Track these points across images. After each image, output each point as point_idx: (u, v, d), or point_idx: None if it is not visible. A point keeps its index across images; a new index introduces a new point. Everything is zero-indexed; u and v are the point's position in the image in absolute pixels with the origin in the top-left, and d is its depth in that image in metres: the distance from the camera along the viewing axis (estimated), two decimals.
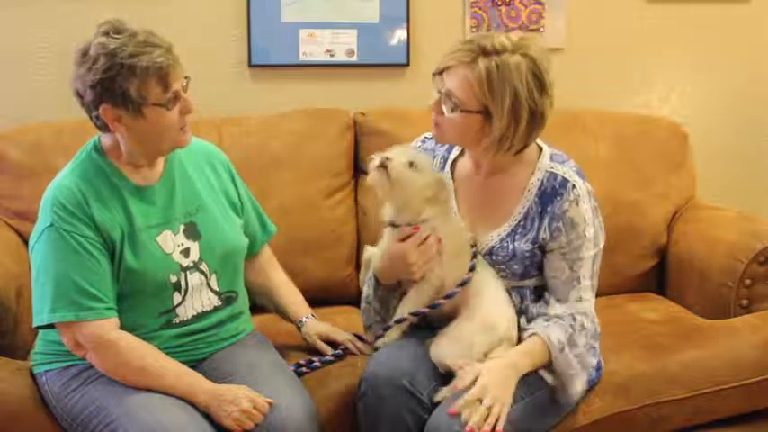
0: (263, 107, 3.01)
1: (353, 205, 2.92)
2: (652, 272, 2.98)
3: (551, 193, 2.10)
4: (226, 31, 3.07)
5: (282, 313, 2.41)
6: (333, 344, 2.36)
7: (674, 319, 2.70)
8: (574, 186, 2.09)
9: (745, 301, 2.65)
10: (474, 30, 3.17)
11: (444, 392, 2.05)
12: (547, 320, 2.10)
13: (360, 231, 2.91)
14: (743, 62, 3.37)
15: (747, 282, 2.64)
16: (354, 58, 3.13)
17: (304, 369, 2.27)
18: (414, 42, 3.15)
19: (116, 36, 1.99)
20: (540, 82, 2.03)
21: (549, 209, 2.10)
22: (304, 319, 2.38)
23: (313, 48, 3.10)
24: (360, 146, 2.96)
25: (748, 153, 3.44)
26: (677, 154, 3.06)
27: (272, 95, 3.09)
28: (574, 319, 2.10)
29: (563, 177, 2.10)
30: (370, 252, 2.25)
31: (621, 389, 2.32)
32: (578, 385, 2.13)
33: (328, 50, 3.11)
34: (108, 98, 1.99)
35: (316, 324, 2.39)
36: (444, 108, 2.05)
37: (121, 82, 1.97)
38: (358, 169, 2.96)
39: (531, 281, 2.17)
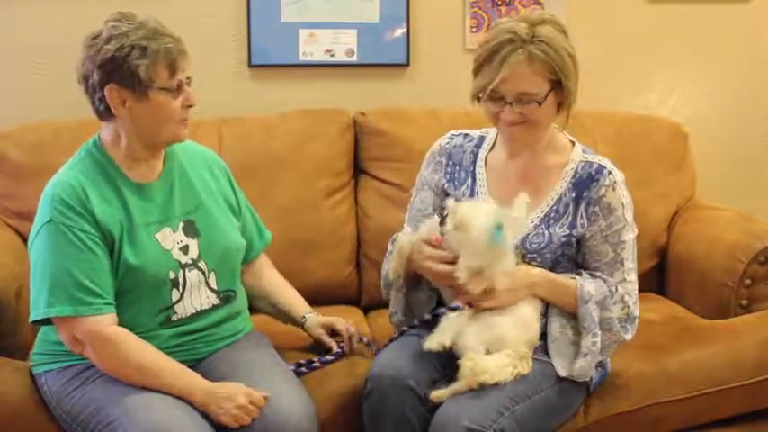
0: (263, 107, 3.01)
1: (353, 205, 2.92)
2: (652, 272, 2.98)
3: (587, 179, 2.14)
4: (226, 31, 3.07)
5: (283, 314, 2.41)
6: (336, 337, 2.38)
7: (674, 319, 2.70)
8: (610, 173, 2.15)
9: (745, 301, 2.65)
10: (474, 30, 3.17)
11: (442, 392, 2.05)
12: (592, 276, 2.14)
13: (360, 231, 2.90)
14: (743, 62, 3.37)
15: (747, 282, 2.64)
16: (354, 58, 3.13)
17: (304, 369, 2.27)
18: (414, 42, 3.15)
19: (128, 22, 2.03)
20: (566, 33, 2.12)
21: (584, 194, 2.14)
22: (307, 315, 2.38)
23: (313, 48, 3.10)
24: (360, 146, 2.96)
25: (748, 153, 3.43)
26: (677, 154, 3.06)
27: (272, 95, 3.10)
28: (616, 289, 2.12)
29: (599, 164, 2.16)
30: (403, 239, 2.19)
31: (621, 389, 2.32)
32: (590, 358, 2.11)
33: (328, 50, 3.11)
34: (115, 78, 2.01)
35: (318, 318, 2.39)
36: (523, 110, 2.07)
37: (132, 61, 1.99)
38: (358, 169, 2.97)
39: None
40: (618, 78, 3.30)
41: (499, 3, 3.19)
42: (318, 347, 2.37)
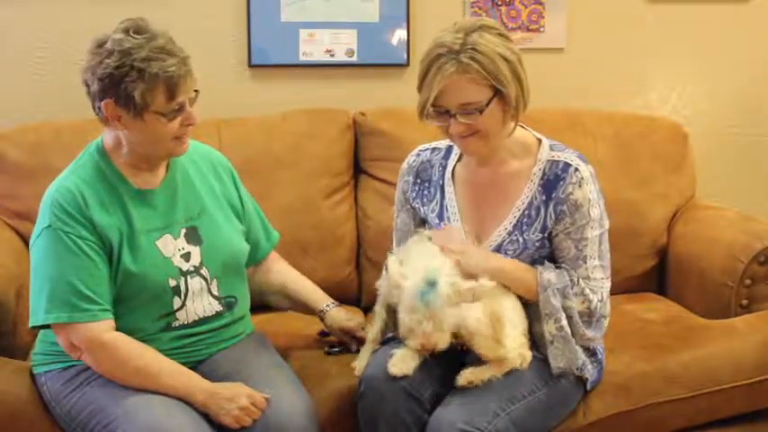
0: (263, 107, 3.01)
1: (353, 205, 2.92)
2: (652, 272, 2.98)
3: (554, 179, 2.13)
4: (226, 31, 3.07)
5: (301, 305, 2.39)
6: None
7: (674, 319, 2.70)
8: (576, 169, 2.12)
9: (745, 301, 2.65)
10: None
11: (469, 376, 2.05)
12: (557, 268, 2.13)
13: (360, 231, 2.90)
14: (743, 62, 3.37)
15: (747, 282, 2.64)
16: (354, 58, 3.13)
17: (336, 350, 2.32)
18: (414, 42, 3.15)
19: (135, 36, 1.98)
20: (505, 37, 2.09)
21: (553, 195, 2.12)
22: (325, 308, 2.36)
23: (313, 48, 3.10)
24: (360, 146, 2.96)
25: (748, 153, 3.43)
26: (677, 154, 3.06)
27: (272, 95, 3.09)
28: (577, 281, 2.11)
29: (565, 162, 2.14)
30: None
31: (621, 389, 2.32)
32: (558, 344, 2.11)
33: (328, 50, 3.11)
34: (112, 94, 1.99)
35: (338, 315, 2.36)
36: (467, 121, 2.05)
37: (128, 83, 1.96)
38: (358, 169, 2.97)
39: None
40: (618, 78, 3.30)
41: (499, 3, 3.19)
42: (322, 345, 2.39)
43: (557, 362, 2.13)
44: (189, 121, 2.05)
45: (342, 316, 2.37)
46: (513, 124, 2.12)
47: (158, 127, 2.01)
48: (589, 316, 2.14)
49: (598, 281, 2.14)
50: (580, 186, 2.11)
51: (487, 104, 2.04)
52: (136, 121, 2.00)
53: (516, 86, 2.06)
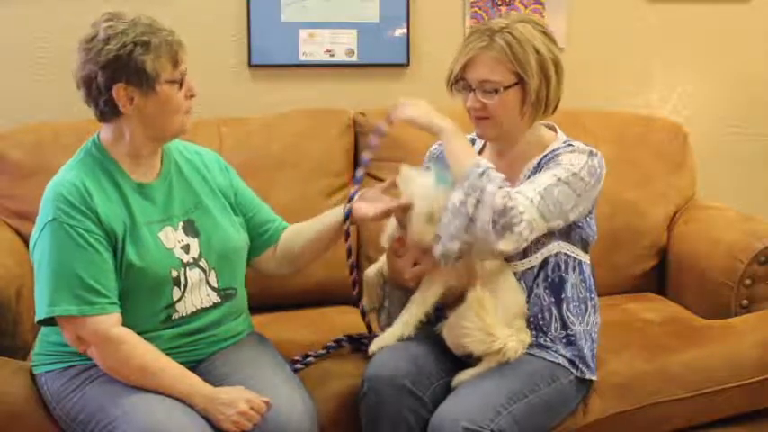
0: (263, 107, 3.02)
1: None
2: (652, 272, 2.98)
3: (554, 153, 2.15)
4: (226, 31, 3.07)
5: (327, 228, 2.31)
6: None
7: (674, 319, 2.70)
8: (571, 145, 2.16)
9: (745, 301, 2.65)
10: None
11: (463, 376, 2.08)
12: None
13: (360, 231, 2.90)
14: (743, 62, 3.38)
15: (747, 282, 2.64)
16: (354, 58, 3.13)
17: (299, 366, 2.28)
18: (414, 42, 3.15)
19: (123, 21, 2.04)
20: (549, 37, 2.14)
21: (546, 160, 2.15)
22: (344, 209, 2.25)
23: (313, 48, 3.10)
24: (360, 146, 2.96)
25: (748, 153, 3.44)
26: (677, 154, 3.06)
27: (272, 95, 3.10)
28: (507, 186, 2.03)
29: (569, 143, 2.18)
30: (368, 271, 2.33)
31: (621, 389, 2.32)
32: (450, 217, 2.02)
33: (328, 50, 3.11)
34: (122, 77, 2.01)
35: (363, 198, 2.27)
36: (484, 99, 2.11)
37: (137, 58, 2.00)
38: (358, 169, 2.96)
39: (537, 258, 2.15)
40: (618, 78, 3.30)
41: (499, 3, 3.19)
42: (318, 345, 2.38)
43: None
44: (192, 92, 2.11)
45: (369, 194, 2.28)
46: (530, 119, 2.14)
47: (171, 97, 2.06)
48: (500, 215, 1.96)
49: (522, 195, 2.01)
50: (571, 153, 2.13)
51: (506, 88, 2.08)
52: (149, 96, 2.03)
53: (541, 81, 2.09)
